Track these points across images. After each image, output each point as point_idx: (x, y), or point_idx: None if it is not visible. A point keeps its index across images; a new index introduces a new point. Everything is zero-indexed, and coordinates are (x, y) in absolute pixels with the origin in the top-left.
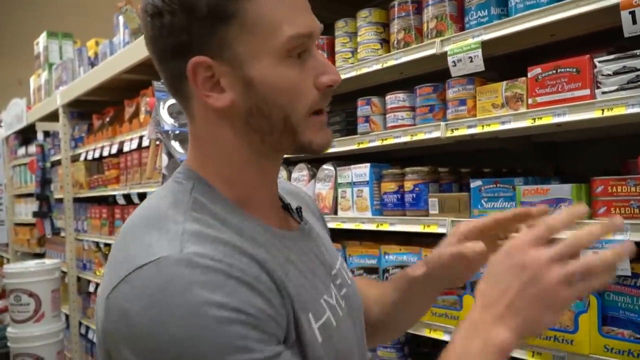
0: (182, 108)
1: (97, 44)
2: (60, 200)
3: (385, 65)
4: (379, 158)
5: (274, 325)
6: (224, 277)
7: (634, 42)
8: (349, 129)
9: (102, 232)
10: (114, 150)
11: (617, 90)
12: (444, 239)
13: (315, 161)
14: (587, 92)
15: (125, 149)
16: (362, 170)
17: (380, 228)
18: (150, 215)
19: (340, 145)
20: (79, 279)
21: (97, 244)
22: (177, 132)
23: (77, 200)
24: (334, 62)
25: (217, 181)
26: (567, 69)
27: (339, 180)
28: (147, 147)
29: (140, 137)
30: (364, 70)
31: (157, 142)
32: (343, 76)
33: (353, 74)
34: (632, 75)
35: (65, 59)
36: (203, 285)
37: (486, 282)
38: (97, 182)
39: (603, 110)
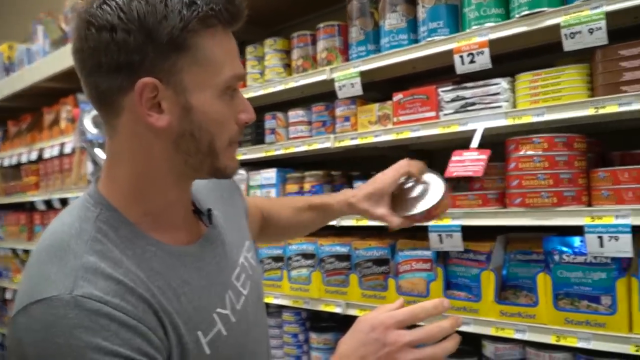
0: (104, 122)
1: (10, 48)
2: None
3: (287, 86)
4: (284, 164)
5: None
6: (107, 320)
7: (472, 76)
8: (258, 139)
9: (20, 237)
10: (33, 156)
11: (453, 113)
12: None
13: None
14: (434, 113)
15: (46, 155)
16: (270, 174)
17: None
18: (54, 243)
19: (251, 153)
20: None
21: (14, 250)
22: (101, 140)
23: None
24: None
25: (126, 201)
26: (420, 96)
27: (251, 183)
28: (69, 155)
29: (62, 144)
30: (270, 89)
31: (82, 151)
32: (253, 94)
33: (261, 92)
34: (463, 102)
35: None
36: (85, 328)
37: (348, 345)
38: (14, 188)
39: (444, 127)
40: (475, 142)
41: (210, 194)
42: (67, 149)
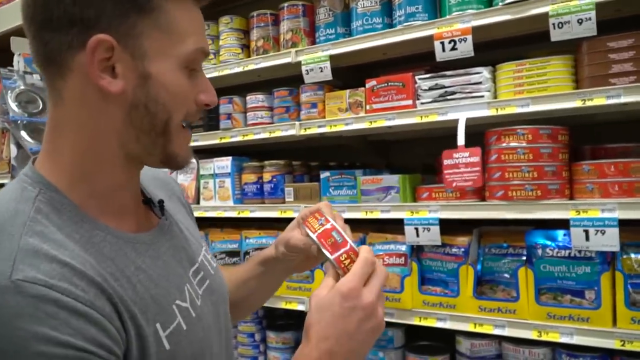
0: (49, 87)
1: None
2: None
3: (246, 68)
4: (233, 152)
5: (105, 355)
6: (54, 307)
7: (447, 63)
8: (211, 125)
9: None
10: None
11: (431, 102)
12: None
13: None
14: (410, 102)
15: None
16: (224, 163)
17: (242, 215)
18: None
19: (203, 140)
20: None
21: None
22: (26, 122)
23: None
24: None
25: (69, 181)
26: (395, 83)
27: (202, 172)
28: None
29: None
30: (226, 71)
31: (3, 132)
32: (207, 76)
33: (215, 74)
34: (442, 91)
35: None
36: (29, 317)
37: (323, 324)
38: None
39: (422, 116)
40: (460, 138)
41: (159, 190)
42: None
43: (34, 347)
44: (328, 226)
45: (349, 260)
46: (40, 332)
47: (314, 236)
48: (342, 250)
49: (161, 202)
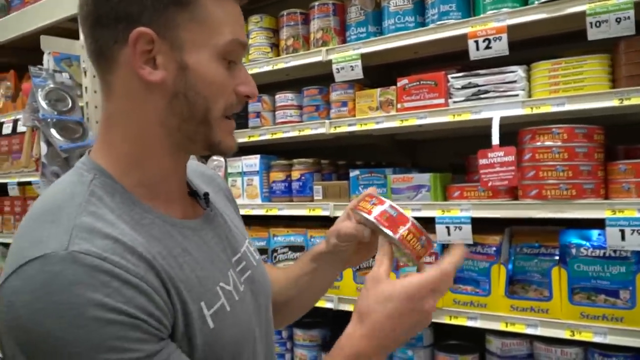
0: (101, 81)
1: None
2: None
3: (276, 67)
4: (260, 151)
5: (155, 324)
6: (107, 277)
7: (478, 63)
8: (240, 123)
9: None
10: None
11: (464, 100)
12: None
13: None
14: (442, 100)
15: None
16: (253, 161)
17: (270, 213)
18: (46, 207)
19: None
20: None
21: None
22: (56, 120)
23: None
24: None
25: (121, 168)
26: (428, 82)
27: (229, 170)
28: (9, 135)
29: (0, 124)
30: (255, 70)
31: (33, 130)
32: None
33: None
34: (475, 89)
35: None
36: (85, 284)
37: (383, 315)
38: None
39: (454, 115)
40: (495, 137)
41: (205, 185)
42: (6, 129)
43: (90, 312)
44: (383, 206)
45: (411, 236)
46: (96, 298)
47: (370, 217)
48: (404, 228)
49: (206, 194)
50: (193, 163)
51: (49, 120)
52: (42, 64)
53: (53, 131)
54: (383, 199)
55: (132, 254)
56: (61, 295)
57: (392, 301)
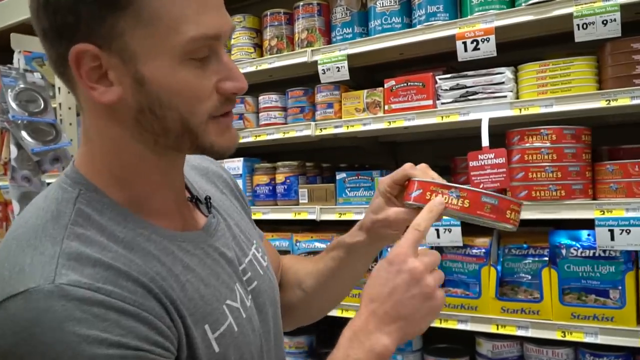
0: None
1: None
2: None
3: (259, 67)
4: (244, 153)
5: (160, 351)
6: (102, 309)
7: (464, 64)
8: None
9: None
10: None
11: (452, 102)
12: (372, 202)
13: None
14: (430, 102)
15: None
16: (235, 164)
17: (254, 217)
18: (28, 229)
19: None
20: None
21: None
22: (27, 121)
23: None
24: None
25: (108, 182)
26: (415, 83)
27: None
28: None
29: None
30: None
31: (2, 132)
32: None
33: None
34: (463, 91)
35: None
36: (77, 320)
37: (372, 289)
38: None
39: (443, 117)
40: (485, 139)
41: (207, 184)
42: None
43: (87, 351)
44: (476, 196)
45: (514, 213)
46: (92, 334)
47: (483, 219)
48: (508, 210)
49: (207, 198)
50: (195, 159)
51: (19, 122)
52: (12, 63)
53: (24, 133)
54: (446, 183)
55: (127, 279)
56: (51, 337)
57: (378, 272)
